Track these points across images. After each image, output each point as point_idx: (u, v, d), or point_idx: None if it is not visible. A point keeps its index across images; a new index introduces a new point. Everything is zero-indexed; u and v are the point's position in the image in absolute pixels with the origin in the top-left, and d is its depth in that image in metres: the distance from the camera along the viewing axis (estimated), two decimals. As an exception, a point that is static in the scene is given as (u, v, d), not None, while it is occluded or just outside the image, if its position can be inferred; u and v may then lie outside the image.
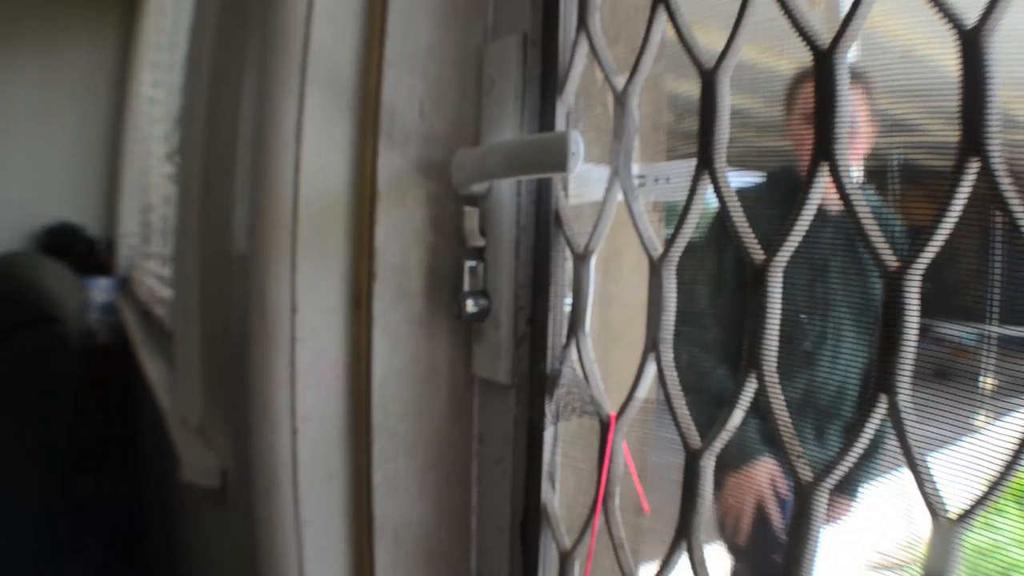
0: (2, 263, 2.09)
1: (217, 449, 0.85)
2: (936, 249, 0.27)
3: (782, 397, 0.33)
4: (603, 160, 0.45)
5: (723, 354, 0.46)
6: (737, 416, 0.35)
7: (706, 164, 0.36)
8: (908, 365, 0.28)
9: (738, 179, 0.36)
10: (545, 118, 0.48)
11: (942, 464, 0.27)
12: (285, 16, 0.51)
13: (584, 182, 0.48)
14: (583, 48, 0.45)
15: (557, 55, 0.48)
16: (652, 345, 0.40)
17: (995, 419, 0.32)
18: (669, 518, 0.39)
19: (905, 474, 0.28)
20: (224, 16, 0.87)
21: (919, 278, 0.28)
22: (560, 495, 0.50)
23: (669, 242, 0.39)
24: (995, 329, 0.32)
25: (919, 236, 0.27)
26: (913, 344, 0.28)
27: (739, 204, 0.35)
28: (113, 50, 3.23)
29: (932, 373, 0.31)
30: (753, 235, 0.34)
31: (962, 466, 0.29)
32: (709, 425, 0.37)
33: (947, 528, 0.27)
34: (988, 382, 0.33)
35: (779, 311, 0.33)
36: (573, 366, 0.47)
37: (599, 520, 0.44)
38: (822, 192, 0.31)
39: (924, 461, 0.27)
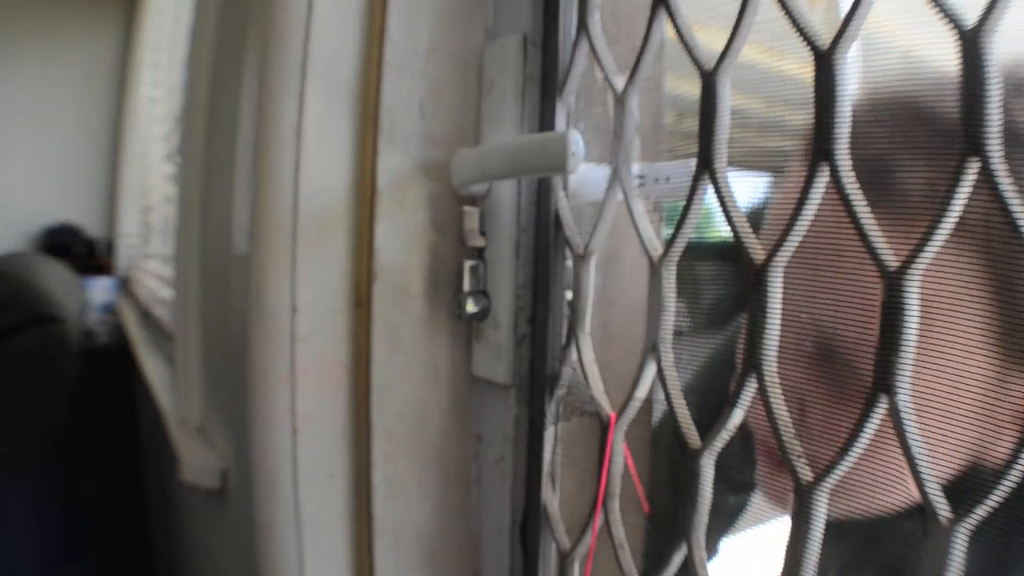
0: (2, 263, 2.09)
1: (217, 449, 0.85)
2: (936, 249, 0.27)
3: (782, 397, 0.33)
4: (603, 160, 0.46)
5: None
6: (737, 416, 0.35)
7: (706, 164, 0.36)
8: (908, 365, 0.28)
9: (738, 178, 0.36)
10: (545, 118, 0.48)
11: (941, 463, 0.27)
12: (285, 16, 0.51)
13: (584, 182, 0.48)
14: (583, 48, 0.45)
15: (557, 55, 0.48)
16: (652, 345, 0.40)
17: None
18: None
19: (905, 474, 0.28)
20: (224, 16, 0.87)
21: (919, 278, 0.28)
22: (560, 495, 0.50)
23: (669, 242, 0.39)
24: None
25: (919, 236, 0.27)
26: (913, 344, 0.28)
27: (739, 204, 0.35)
28: (113, 50, 3.23)
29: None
30: (753, 235, 0.34)
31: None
32: (709, 425, 0.37)
33: (946, 528, 0.27)
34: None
35: (779, 311, 0.33)
36: (573, 366, 0.47)
37: (599, 520, 0.44)
38: (821, 192, 0.31)
39: (924, 461, 0.27)
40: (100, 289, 2.74)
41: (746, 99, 0.37)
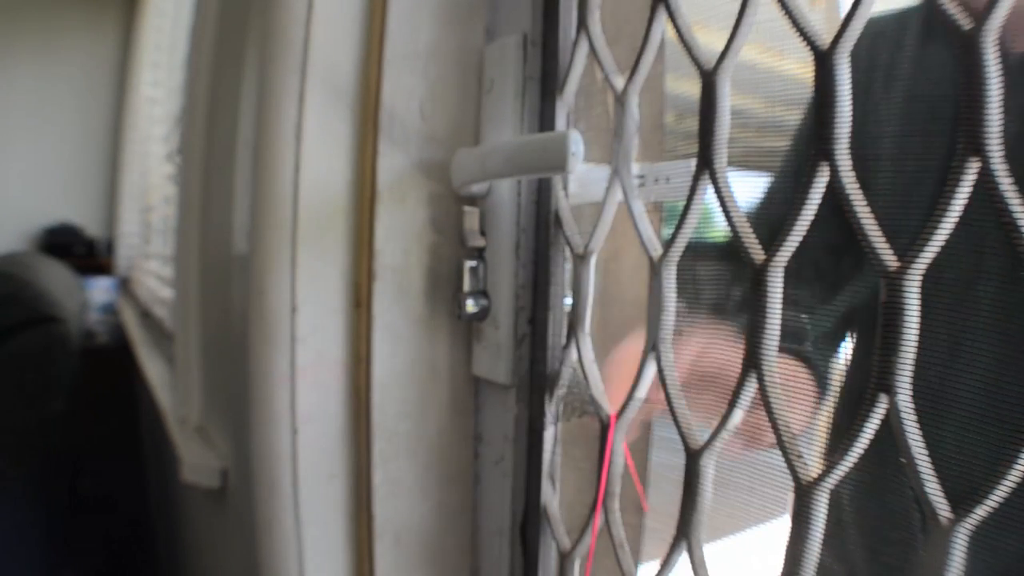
0: (2, 263, 2.09)
1: (217, 449, 0.85)
2: (936, 249, 0.27)
3: (782, 397, 0.33)
4: (603, 160, 0.46)
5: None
6: (737, 416, 0.35)
7: (706, 164, 0.36)
8: (908, 365, 0.28)
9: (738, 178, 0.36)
10: (545, 118, 0.48)
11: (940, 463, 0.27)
12: (285, 16, 0.51)
13: (584, 182, 0.48)
14: (583, 48, 0.45)
15: (557, 55, 0.48)
16: (652, 345, 0.40)
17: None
18: (669, 518, 0.39)
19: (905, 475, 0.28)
20: (224, 16, 0.87)
21: (919, 278, 0.28)
22: (560, 495, 0.50)
23: (669, 242, 0.39)
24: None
25: (920, 236, 0.27)
26: (913, 344, 0.28)
27: (739, 204, 0.35)
28: (113, 50, 3.23)
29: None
30: (753, 235, 0.34)
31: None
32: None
33: (946, 528, 0.27)
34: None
35: (779, 311, 0.33)
36: (573, 366, 0.47)
37: (599, 520, 0.44)
38: (821, 192, 0.31)
39: (924, 461, 0.27)
40: (100, 289, 2.74)
41: (746, 99, 0.37)
